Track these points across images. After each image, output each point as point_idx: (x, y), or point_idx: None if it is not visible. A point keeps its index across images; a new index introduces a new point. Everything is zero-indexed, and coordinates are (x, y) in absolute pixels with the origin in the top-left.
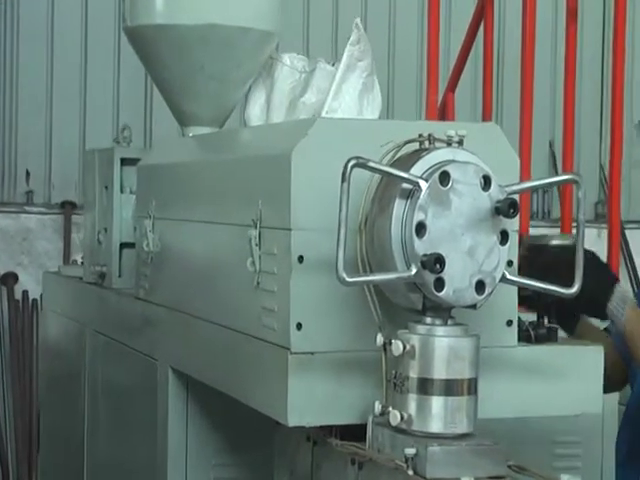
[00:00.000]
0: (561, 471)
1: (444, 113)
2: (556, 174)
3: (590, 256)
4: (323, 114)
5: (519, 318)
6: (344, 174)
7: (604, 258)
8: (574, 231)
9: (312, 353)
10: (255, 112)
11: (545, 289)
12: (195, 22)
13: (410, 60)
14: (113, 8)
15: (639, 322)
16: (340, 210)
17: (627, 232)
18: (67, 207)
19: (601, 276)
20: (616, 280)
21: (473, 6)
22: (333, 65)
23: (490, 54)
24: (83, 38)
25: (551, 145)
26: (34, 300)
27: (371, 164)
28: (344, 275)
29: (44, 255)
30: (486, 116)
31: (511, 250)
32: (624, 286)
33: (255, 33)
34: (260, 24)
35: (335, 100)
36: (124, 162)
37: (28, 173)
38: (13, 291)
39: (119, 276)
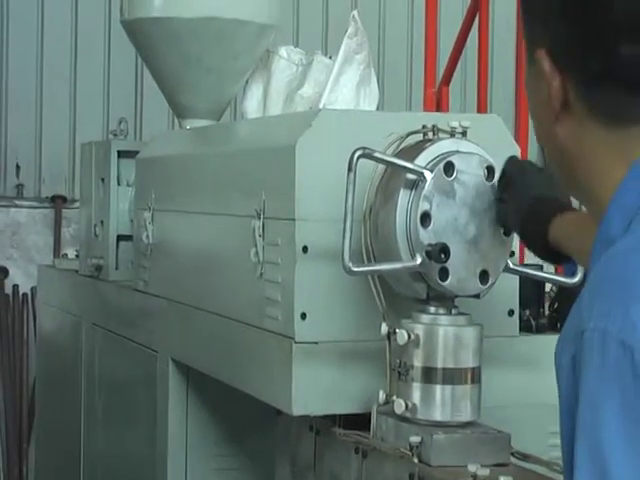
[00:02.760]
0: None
1: (438, 106)
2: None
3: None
4: (320, 107)
5: (520, 308)
6: (350, 164)
7: None
8: None
9: (316, 343)
10: (252, 105)
11: (547, 279)
12: (192, 15)
13: (400, 53)
14: (103, 1)
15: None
16: (346, 200)
17: None
18: (57, 201)
19: None
20: None
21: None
22: (330, 58)
23: (485, 47)
24: (73, 31)
25: None
26: (24, 294)
27: (377, 155)
28: (350, 265)
29: (34, 249)
30: (481, 108)
31: (514, 240)
32: None
33: (252, 26)
34: (258, 17)
35: (332, 93)
36: (121, 155)
37: (18, 167)
38: (3, 285)
39: (116, 268)
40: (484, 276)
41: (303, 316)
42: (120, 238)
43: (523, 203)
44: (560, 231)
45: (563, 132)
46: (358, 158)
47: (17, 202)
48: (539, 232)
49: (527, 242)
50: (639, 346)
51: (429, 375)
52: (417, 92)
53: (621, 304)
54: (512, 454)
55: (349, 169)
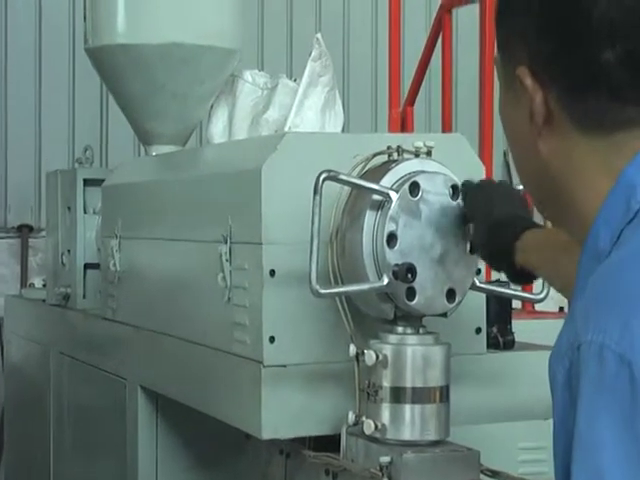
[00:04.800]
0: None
1: (403, 127)
2: (511, 183)
3: None
4: (286, 130)
5: (487, 325)
6: (316, 187)
7: None
8: None
9: (284, 366)
10: (218, 130)
11: (514, 296)
12: (156, 41)
13: (364, 75)
14: (67, 30)
15: None
16: (312, 223)
17: None
18: (24, 230)
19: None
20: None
21: (424, 20)
22: (295, 81)
23: (449, 67)
24: (37, 60)
25: (505, 155)
26: None
27: (342, 177)
28: (317, 287)
29: (0, 279)
30: (446, 128)
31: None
32: None
33: (217, 51)
34: (221, 42)
35: (297, 116)
36: (87, 183)
37: None
38: None
39: (83, 297)
40: (451, 295)
41: (271, 340)
42: (87, 266)
43: (484, 226)
44: (523, 251)
45: (546, 147)
46: (323, 181)
47: None
48: (505, 255)
49: (494, 265)
50: (637, 360)
51: (398, 395)
52: (382, 113)
53: (618, 317)
54: (482, 471)
55: (315, 192)
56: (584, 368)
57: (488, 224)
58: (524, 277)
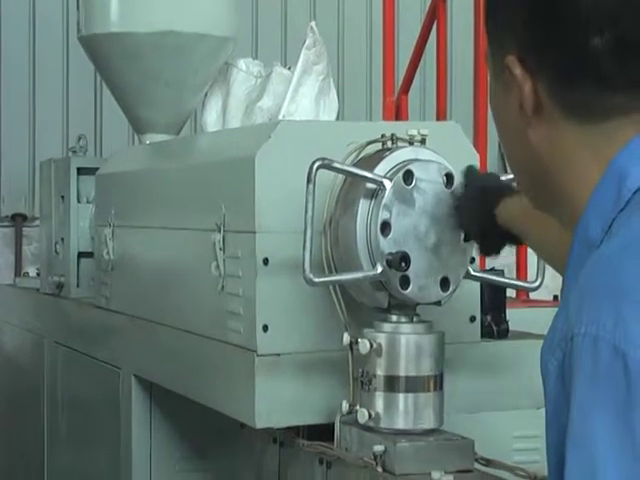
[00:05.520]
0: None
1: (398, 115)
2: (505, 171)
3: None
4: (280, 118)
5: (481, 314)
6: (309, 175)
7: None
8: None
9: (278, 355)
10: (212, 118)
11: (508, 284)
12: (150, 29)
13: (359, 63)
14: (61, 18)
15: None
16: (306, 211)
17: None
18: (17, 219)
19: None
20: None
21: (418, 8)
22: (289, 69)
23: (443, 55)
24: (31, 49)
25: (500, 146)
26: None
27: (336, 165)
28: (311, 276)
29: None
30: (440, 116)
31: (474, 246)
32: None
33: (211, 39)
34: (216, 30)
35: (292, 104)
36: (80, 171)
37: None
38: None
39: (77, 286)
40: (445, 283)
41: (265, 328)
42: (81, 255)
43: (473, 195)
44: (506, 211)
45: (536, 137)
46: (317, 169)
47: None
48: (489, 216)
49: (480, 229)
50: (631, 351)
51: (392, 384)
52: (376, 101)
53: (612, 308)
54: (476, 460)
55: (308, 180)
56: (578, 360)
57: (475, 191)
58: (508, 238)
